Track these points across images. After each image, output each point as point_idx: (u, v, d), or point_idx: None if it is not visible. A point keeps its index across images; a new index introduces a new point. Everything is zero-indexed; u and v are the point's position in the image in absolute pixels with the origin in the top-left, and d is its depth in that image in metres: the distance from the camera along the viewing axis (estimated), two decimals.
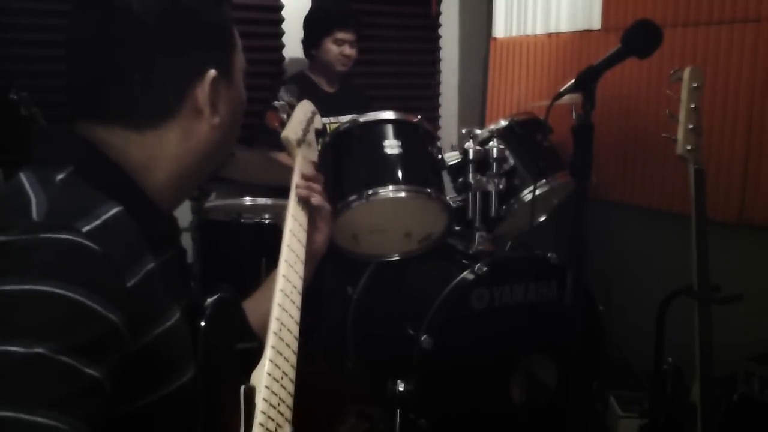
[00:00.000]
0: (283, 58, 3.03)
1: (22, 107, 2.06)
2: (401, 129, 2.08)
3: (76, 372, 0.58)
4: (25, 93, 2.07)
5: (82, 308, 0.61)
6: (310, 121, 1.25)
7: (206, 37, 0.80)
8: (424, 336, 1.91)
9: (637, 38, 1.33)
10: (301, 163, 1.15)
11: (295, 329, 0.84)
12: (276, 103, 1.27)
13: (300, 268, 0.95)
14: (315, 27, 2.68)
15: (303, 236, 1.03)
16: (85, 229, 0.65)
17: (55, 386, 0.57)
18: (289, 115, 1.21)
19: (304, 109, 1.25)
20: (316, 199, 1.10)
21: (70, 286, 0.61)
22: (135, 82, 0.77)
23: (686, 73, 1.53)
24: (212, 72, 0.79)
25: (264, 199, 2.46)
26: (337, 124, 2.63)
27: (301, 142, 1.17)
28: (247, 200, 2.40)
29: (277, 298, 0.85)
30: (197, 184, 0.89)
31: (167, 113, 0.78)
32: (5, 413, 0.53)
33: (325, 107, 2.65)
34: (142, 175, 0.78)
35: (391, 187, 1.98)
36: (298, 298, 0.89)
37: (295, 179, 1.10)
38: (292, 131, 1.16)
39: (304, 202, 1.08)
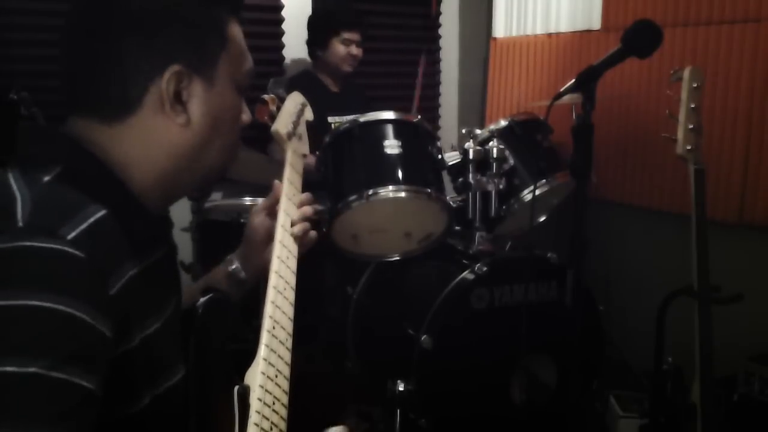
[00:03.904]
0: (283, 58, 3.03)
1: (22, 107, 2.06)
2: (401, 129, 2.08)
3: (71, 386, 0.59)
4: (25, 93, 2.07)
5: (72, 320, 0.61)
6: (301, 113, 1.21)
7: (178, 31, 0.77)
8: (424, 336, 1.91)
9: (637, 38, 1.33)
10: (292, 157, 1.13)
11: (289, 326, 0.84)
12: (265, 96, 1.25)
13: (293, 264, 0.94)
14: (322, 28, 2.68)
15: None
16: (70, 236, 0.65)
17: (52, 403, 0.57)
18: (278, 108, 1.20)
19: (294, 101, 1.22)
20: (310, 239, 1.06)
21: (59, 298, 0.60)
22: (101, 69, 0.77)
23: (686, 73, 1.53)
24: (175, 67, 0.76)
25: (264, 199, 2.46)
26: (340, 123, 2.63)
27: (291, 135, 1.15)
28: (247, 200, 2.40)
29: (270, 295, 0.84)
30: (186, 189, 0.87)
31: (129, 105, 0.77)
32: None
33: (331, 106, 2.65)
34: (125, 174, 0.77)
35: (391, 187, 1.97)
36: (291, 295, 0.88)
37: (287, 174, 1.09)
38: (282, 124, 1.14)
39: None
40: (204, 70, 0.80)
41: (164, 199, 0.83)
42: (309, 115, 1.25)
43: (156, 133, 0.78)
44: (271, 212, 1.07)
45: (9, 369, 0.56)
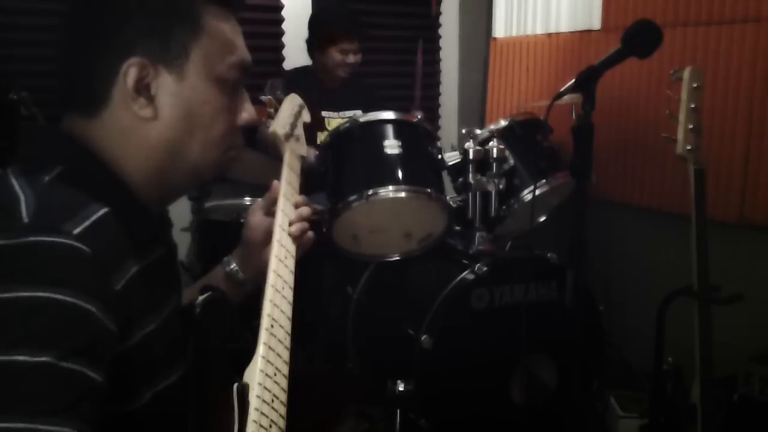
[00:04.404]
0: (283, 58, 3.03)
1: (22, 107, 2.06)
2: (401, 129, 2.08)
3: (80, 376, 0.59)
4: (25, 93, 2.08)
5: (80, 312, 0.61)
6: (298, 115, 1.22)
7: (141, 21, 0.76)
8: (424, 336, 1.91)
9: (637, 38, 1.33)
10: (290, 157, 1.13)
11: (288, 325, 0.84)
12: (262, 97, 1.26)
13: (291, 263, 0.94)
14: (320, 35, 2.65)
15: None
16: (76, 231, 0.65)
17: (63, 392, 0.58)
18: (276, 110, 1.20)
19: (292, 103, 1.23)
20: (308, 240, 1.06)
21: (67, 290, 0.61)
22: (78, 64, 0.78)
23: (686, 73, 1.53)
24: (135, 58, 0.75)
25: (261, 199, 2.46)
26: (337, 119, 2.63)
27: (289, 136, 1.16)
28: (247, 200, 2.40)
29: (268, 294, 0.84)
30: (180, 187, 0.86)
31: (100, 98, 0.77)
32: (17, 423, 0.54)
33: (328, 102, 2.65)
34: (121, 171, 0.78)
35: (391, 187, 1.97)
36: (290, 294, 0.89)
37: (284, 174, 1.09)
38: (280, 126, 1.15)
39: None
40: (172, 62, 0.77)
41: (160, 197, 0.83)
42: (306, 116, 1.26)
43: (129, 127, 0.77)
44: (269, 212, 1.07)
45: (20, 358, 0.56)
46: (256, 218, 1.08)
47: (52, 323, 0.59)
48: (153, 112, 0.77)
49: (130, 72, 0.75)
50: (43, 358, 0.57)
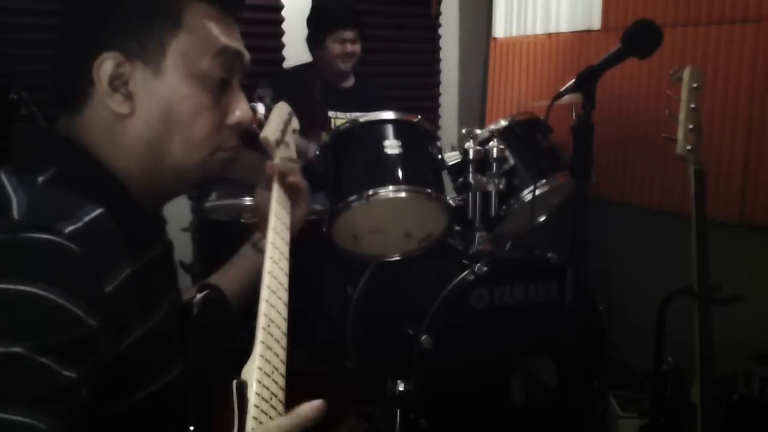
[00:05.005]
0: (283, 58, 3.03)
1: (22, 107, 2.06)
2: (401, 129, 2.08)
3: (52, 372, 0.58)
4: (25, 93, 2.08)
5: (61, 310, 0.61)
6: (287, 122, 1.25)
7: (116, 16, 0.75)
8: (424, 336, 1.91)
9: (637, 38, 1.34)
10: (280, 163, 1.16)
11: (283, 325, 0.84)
12: (253, 104, 1.27)
13: (285, 265, 0.94)
14: (317, 26, 2.68)
15: (286, 234, 1.02)
16: (67, 230, 0.65)
17: (32, 385, 0.57)
18: (266, 116, 1.22)
19: (281, 110, 1.25)
20: (294, 177, 1.07)
21: (51, 287, 0.60)
22: (61, 61, 0.78)
23: (686, 73, 1.53)
24: (108, 53, 0.74)
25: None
26: (342, 120, 2.63)
27: (279, 142, 1.18)
28: (247, 200, 2.40)
29: (264, 294, 0.85)
30: (170, 188, 0.84)
31: (80, 96, 0.76)
32: None
33: (334, 101, 2.65)
34: (113, 168, 0.77)
35: (391, 187, 1.98)
36: (284, 295, 0.89)
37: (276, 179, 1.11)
38: (270, 131, 1.17)
39: (281, 181, 1.06)
40: (148, 57, 0.76)
41: (153, 196, 0.83)
42: (295, 124, 1.28)
43: (109, 125, 0.77)
44: (269, 186, 1.07)
45: None
46: (259, 196, 1.10)
47: (30, 317, 0.59)
48: (130, 108, 0.76)
49: (103, 67, 0.75)
50: (16, 349, 0.56)
